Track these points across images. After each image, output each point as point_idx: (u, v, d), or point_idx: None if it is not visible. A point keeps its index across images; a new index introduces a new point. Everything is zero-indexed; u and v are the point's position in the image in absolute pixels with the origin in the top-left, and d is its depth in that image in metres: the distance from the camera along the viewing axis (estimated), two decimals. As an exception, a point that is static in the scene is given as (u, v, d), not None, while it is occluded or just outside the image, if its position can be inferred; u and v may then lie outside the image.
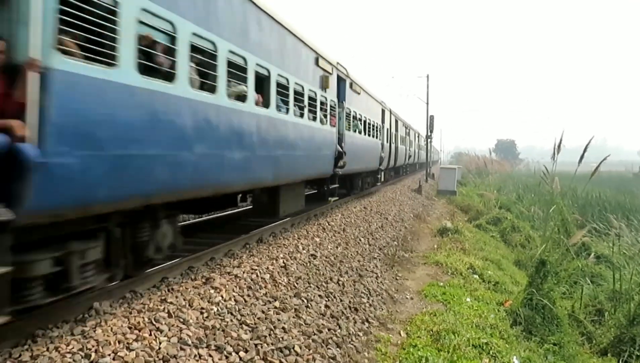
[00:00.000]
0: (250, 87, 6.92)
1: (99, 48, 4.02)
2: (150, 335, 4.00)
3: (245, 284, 5.63)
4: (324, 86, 10.44)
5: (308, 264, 7.27)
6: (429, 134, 34.97)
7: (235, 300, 5.14)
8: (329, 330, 5.44)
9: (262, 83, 7.63)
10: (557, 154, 12.67)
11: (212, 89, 5.90)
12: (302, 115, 9.37)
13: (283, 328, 4.94)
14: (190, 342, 4.05)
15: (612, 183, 27.83)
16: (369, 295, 7.30)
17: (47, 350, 3.55)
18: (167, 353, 3.79)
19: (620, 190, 25.02)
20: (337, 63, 12.26)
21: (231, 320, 4.68)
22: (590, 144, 12.48)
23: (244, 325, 4.69)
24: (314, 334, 5.14)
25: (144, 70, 4.61)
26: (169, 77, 4.99)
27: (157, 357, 3.72)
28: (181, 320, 4.37)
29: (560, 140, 12.61)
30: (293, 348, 4.62)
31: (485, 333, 6.43)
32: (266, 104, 7.63)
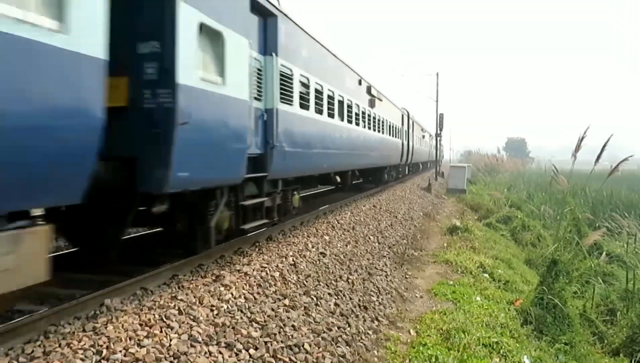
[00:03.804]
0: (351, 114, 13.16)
1: (288, 97, 8.44)
2: (161, 332, 4.02)
3: (255, 282, 5.64)
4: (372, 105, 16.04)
5: (317, 262, 7.27)
6: (438, 132, 34.83)
7: (245, 297, 5.16)
8: (338, 328, 5.43)
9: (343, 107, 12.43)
10: (577, 151, 12.38)
11: (320, 111, 10.38)
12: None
13: (293, 326, 4.94)
14: (200, 339, 4.07)
15: (624, 181, 27.46)
16: (378, 293, 7.28)
17: (59, 346, 3.58)
18: (178, 350, 3.81)
19: (635, 189, 24.71)
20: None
21: (241, 318, 4.70)
22: (600, 143, 12.27)
23: (253, 323, 4.70)
24: (324, 332, 5.13)
25: (301, 106, 9.13)
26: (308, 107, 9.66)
27: (168, 353, 3.74)
28: (191, 317, 4.39)
29: (582, 137, 12.28)
30: (303, 346, 4.62)
31: (495, 332, 6.38)
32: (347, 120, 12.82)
